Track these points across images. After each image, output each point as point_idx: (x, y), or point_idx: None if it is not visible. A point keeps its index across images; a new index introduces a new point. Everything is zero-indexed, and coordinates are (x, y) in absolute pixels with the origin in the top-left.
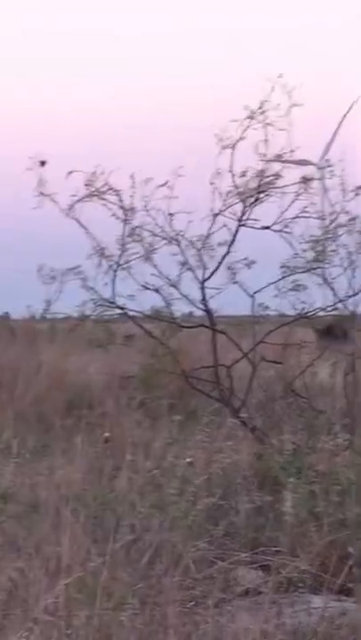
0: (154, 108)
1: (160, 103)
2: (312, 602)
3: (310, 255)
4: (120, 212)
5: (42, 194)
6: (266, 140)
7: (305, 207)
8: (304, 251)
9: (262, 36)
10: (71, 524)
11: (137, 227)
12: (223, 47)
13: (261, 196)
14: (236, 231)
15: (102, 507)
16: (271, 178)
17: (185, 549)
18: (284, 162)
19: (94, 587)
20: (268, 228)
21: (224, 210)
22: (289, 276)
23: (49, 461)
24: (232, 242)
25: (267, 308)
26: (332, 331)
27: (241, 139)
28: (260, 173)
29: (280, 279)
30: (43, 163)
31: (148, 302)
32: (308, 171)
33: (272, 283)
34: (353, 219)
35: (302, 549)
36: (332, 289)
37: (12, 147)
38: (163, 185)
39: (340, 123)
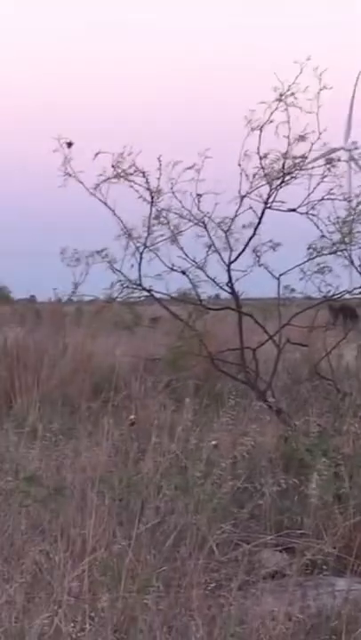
0: (182, 90)
1: (188, 84)
2: (336, 584)
3: (337, 237)
4: (147, 194)
5: (67, 173)
6: (288, 121)
7: (331, 189)
8: (331, 233)
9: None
10: (96, 506)
11: (163, 209)
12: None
13: (287, 178)
14: (263, 213)
15: (128, 489)
16: (297, 160)
17: (210, 532)
18: (314, 160)
19: (119, 569)
20: (294, 210)
21: (250, 192)
22: (315, 257)
23: (74, 444)
24: (258, 224)
25: (293, 290)
26: (345, 310)
27: (270, 121)
28: (285, 155)
29: (306, 261)
30: (69, 144)
31: (174, 284)
32: (336, 152)
33: (298, 265)
34: None
35: (327, 532)
36: (359, 271)
37: (38, 130)
38: (190, 167)
39: (352, 104)
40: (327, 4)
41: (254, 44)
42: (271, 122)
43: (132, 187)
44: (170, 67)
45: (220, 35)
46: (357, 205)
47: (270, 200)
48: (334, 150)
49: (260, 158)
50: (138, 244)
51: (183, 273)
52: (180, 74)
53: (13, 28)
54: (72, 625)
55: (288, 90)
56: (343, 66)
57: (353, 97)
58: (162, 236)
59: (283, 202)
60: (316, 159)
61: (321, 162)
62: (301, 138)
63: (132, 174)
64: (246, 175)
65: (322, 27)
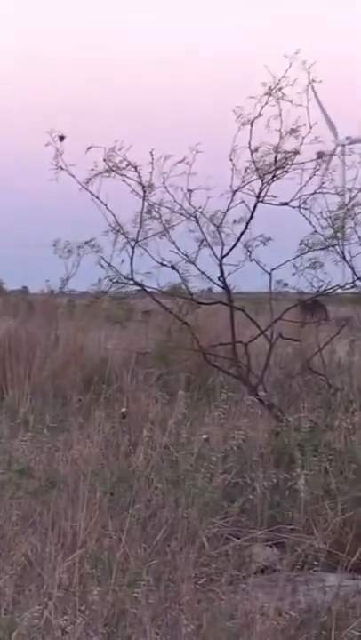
0: (172, 85)
1: (178, 79)
2: (327, 580)
3: (329, 232)
4: (139, 189)
5: (59, 166)
6: (280, 115)
7: (323, 183)
8: (323, 228)
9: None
10: (88, 499)
11: (155, 203)
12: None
13: (279, 172)
14: (255, 207)
15: (119, 482)
16: (288, 154)
17: (201, 526)
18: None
19: (109, 562)
20: (286, 204)
21: (242, 186)
22: (306, 252)
23: (66, 436)
24: (250, 218)
25: (285, 285)
26: (315, 308)
27: (260, 115)
28: (276, 149)
29: (297, 256)
30: (62, 137)
31: (165, 279)
32: (329, 146)
33: (289, 260)
34: None
35: (318, 527)
36: (351, 266)
37: (31, 122)
38: (181, 161)
39: (319, 101)
40: (327, 4)
41: (254, 45)
42: (261, 115)
43: (124, 181)
44: (170, 67)
45: (220, 35)
46: (350, 201)
47: (262, 194)
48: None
49: (252, 152)
50: (130, 238)
51: (173, 268)
52: (179, 72)
53: (13, 29)
54: (62, 617)
55: (277, 84)
56: (343, 66)
57: (316, 96)
58: (151, 229)
59: (275, 196)
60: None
61: (313, 154)
62: (293, 131)
63: (124, 168)
64: (237, 170)
65: (322, 27)
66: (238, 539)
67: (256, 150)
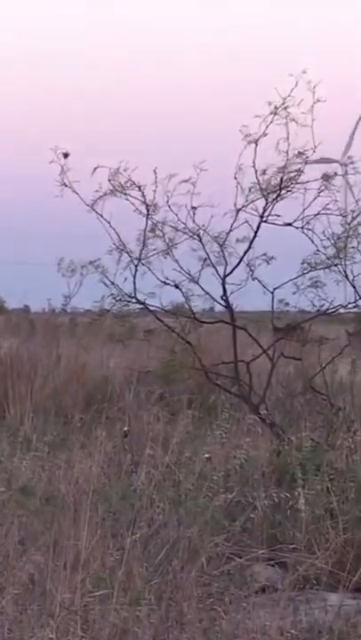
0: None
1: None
2: (328, 599)
3: (331, 252)
4: (142, 207)
5: (64, 184)
6: (287, 137)
7: (327, 204)
8: (326, 247)
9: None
10: (89, 518)
11: (159, 222)
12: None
13: (283, 192)
14: (258, 227)
15: (121, 501)
16: (293, 174)
17: (202, 545)
18: (307, 162)
19: (111, 582)
20: (290, 224)
21: (246, 205)
22: (309, 272)
23: (68, 455)
24: (254, 237)
25: (287, 304)
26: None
27: (264, 135)
28: (282, 170)
29: (299, 276)
30: (66, 155)
31: (167, 297)
32: (331, 167)
33: (291, 279)
34: None
35: (319, 547)
36: (353, 286)
37: (34, 136)
38: (185, 181)
39: (359, 120)
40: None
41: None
42: (266, 135)
43: (127, 199)
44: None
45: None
46: (353, 220)
47: (266, 214)
48: (330, 160)
49: (256, 172)
50: (133, 257)
51: (176, 287)
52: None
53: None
54: (64, 637)
55: (283, 103)
56: (342, 71)
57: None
58: (154, 249)
59: (278, 215)
60: (310, 161)
61: (318, 174)
62: (300, 154)
63: (128, 188)
64: (242, 188)
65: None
66: (240, 558)
67: (263, 173)
